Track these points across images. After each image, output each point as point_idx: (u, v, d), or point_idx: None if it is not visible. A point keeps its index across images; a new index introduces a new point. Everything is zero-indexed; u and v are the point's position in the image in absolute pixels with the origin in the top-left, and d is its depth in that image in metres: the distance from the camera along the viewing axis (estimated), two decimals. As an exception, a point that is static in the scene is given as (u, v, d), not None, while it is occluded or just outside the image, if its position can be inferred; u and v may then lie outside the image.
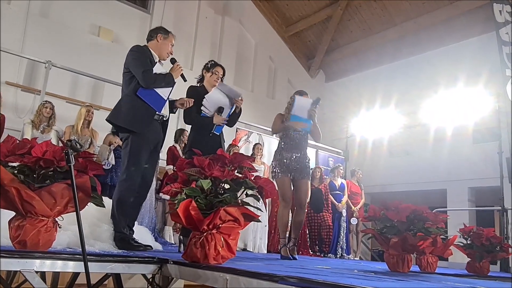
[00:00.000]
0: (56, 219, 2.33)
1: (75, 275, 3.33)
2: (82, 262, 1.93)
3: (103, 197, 2.54)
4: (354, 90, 11.04)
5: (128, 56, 3.29)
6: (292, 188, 4.27)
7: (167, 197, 4.74)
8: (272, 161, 4.41)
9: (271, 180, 4.20)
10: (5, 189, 2.13)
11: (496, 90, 7.67)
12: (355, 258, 7.49)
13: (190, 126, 3.87)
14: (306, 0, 10.73)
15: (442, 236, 3.46)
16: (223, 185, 2.41)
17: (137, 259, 2.45)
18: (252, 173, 2.52)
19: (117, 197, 3.14)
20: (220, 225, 2.28)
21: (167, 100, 3.36)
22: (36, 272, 2.06)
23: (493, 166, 6.86)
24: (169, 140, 4.52)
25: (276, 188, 3.12)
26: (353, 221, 7.53)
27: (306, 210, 4.58)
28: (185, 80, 3.55)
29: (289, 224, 4.80)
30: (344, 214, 7.44)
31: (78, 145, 2.09)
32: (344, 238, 7.37)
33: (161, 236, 5.72)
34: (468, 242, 4.38)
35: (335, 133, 10.64)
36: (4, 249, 2.05)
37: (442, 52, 9.39)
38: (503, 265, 6.23)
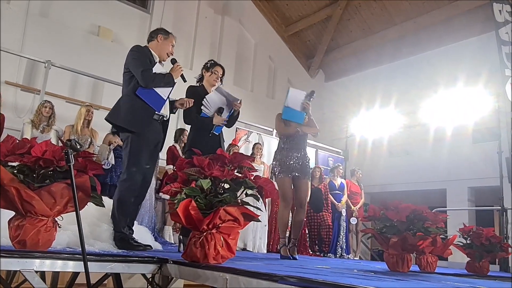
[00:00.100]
0: (56, 218, 2.33)
1: (75, 274, 3.33)
2: (82, 262, 1.93)
3: (102, 196, 2.55)
4: (354, 90, 11.04)
5: (128, 56, 3.30)
6: (292, 188, 4.27)
7: (167, 196, 4.74)
8: (273, 161, 4.42)
9: (271, 180, 4.22)
10: (5, 189, 2.13)
11: (496, 90, 7.67)
12: (355, 258, 7.49)
13: (190, 126, 3.88)
14: (305, 0, 10.74)
15: (441, 236, 3.47)
16: (222, 184, 2.41)
17: (136, 258, 2.45)
18: (252, 173, 2.52)
19: (117, 197, 3.15)
20: (219, 225, 2.28)
21: (167, 100, 3.36)
22: (36, 271, 2.06)
23: (492, 166, 6.87)
24: (169, 140, 4.52)
25: (276, 188, 3.13)
26: (353, 220, 7.53)
27: (306, 210, 4.58)
28: (184, 81, 3.55)
29: (289, 224, 4.80)
30: (344, 213, 7.44)
31: (77, 144, 2.08)
32: (344, 237, 7.37)
33: (161, 236, 5.72)
34: (468, 241, 4.38)
35: (334, 132, 10.64)
36: (4, 248, 2.05)
37: (442, 52, 9.39)
38: (503, 265, 6.24)
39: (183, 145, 5.89)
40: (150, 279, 2.62)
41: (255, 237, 6.07)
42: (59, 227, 2.38)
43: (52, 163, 2.25)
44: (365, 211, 7.52)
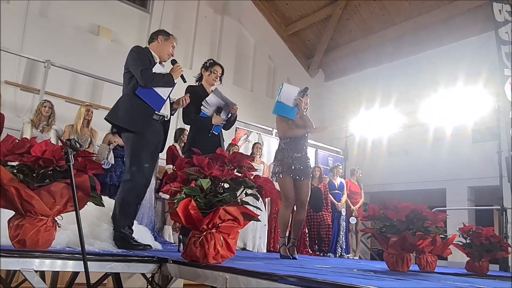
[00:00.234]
0: (56, 218, 2.33)
1: (75, 274, 3.33)
2: (82, 262, 1.93)
3: (102, 196, 2.54)
4: (353, 90, 11.04)
5: (128, 56, 3.31)
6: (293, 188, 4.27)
7: (167, 196, 4.73)
8: (273, 162, 4.41)
9: (272, 180, 4.22)
10: (5, 189, 2.13)
11: (495, 90, 7.67)
12: (355, 258, 7.50)
13: (189, 126, 3.88)
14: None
15: (441, 236, 3.47)
16: (222, 184, 2.41)
17: (136, 258, 2.45)
18: (252, 172, 2.52)
19: (120, 197, 3.15)
20: (219, 225, 2.28)
21: (167, 100, 3.36)
22: (36, 271, 2.05)
23: (492, 165, 6.87)
24: (169, 139, 4.52)
25: (277, 188, 3.12)
26: (352, 220, 7.53)
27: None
28: (184, 81, 3.56)
29: (289, 224, 4.80)
30: (344, 213, 7.44)
31: (77, 144, 2.08)
32: (344, 237, 7.37)
33: (161, 236, 5.72)
34: (468, 241, 4.38)
35: (334, 132, 10.64)
36: (4, 248, 2.05)
37: (441, 51, 9.39)
38: (502, 264, 6.24)
39: (183, 144, 5.89)
40: (150, 279, 2.62)
41: (254, 236, 6.07)
42: (59, 226, 2.38)
43: (52, 162, 2.25)
44: (364, 210, 7.52)
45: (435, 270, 3.81)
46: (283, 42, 11.72)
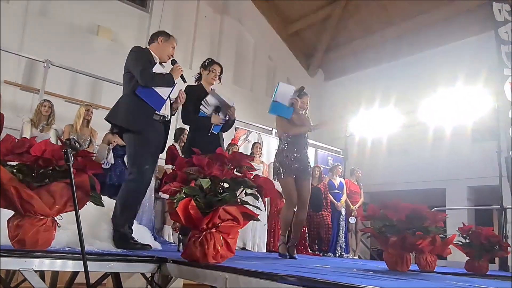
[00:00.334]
0: (55, 218, 2.33)
1: (74, 274, 3.34)
2: (81, 261, 1.93)
3: (102, 196, 2.55)
4: (353, 89, 11.04)
5: (128, 56, 3.32)
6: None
7: (166, 196, 4.73)
8: (274, 162, 4.40)
9: (273, 180, 4.21)
10: (4, 188, 2.12)
11: (495, 89, 7.67)
12: (354, 257, 7.50)
13: (189, 126, 3.88)
14: (305, -1, 10.74)
15: (441, 235, 3.47)
16: (222, 184, 2.40)
17: (136, 258, 2.45)
18: (251, 172, 2.52)
19: (122, 196, 3.15)
20: (219, 224, 2.28)
21: (168, 100, 3.37)
22: (35, 271, 2.05)
23: (492, 165, 6.86)
24: (168, 139, 4.52)
25: (277, 188, 3.12)
26: (352, 220, 7.53)
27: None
28: (184, 81, 3.58)
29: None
30: (343, 213, 7.44)
31: (77, 144, 2.08)
32: (343, 237, 7.37)
33: (160, 235, 5.72)
34: (467, 241, 4.38)
35: (334, 132, 10.63)
36: (3, 248, 2.05)
37: (441, 51, 9.39)
38: (502, 264, 6.24)
39: (182, 144, 5.89)
40: (149, 279, 2.62)
41: (254, 236, 6.07)
42: (59, 226, 2.38)
43: (52, 162, 2.24)
44: (364, 210, 7.51)
45: (434, 270, 3.81)
46: (283, 42, 11.71)
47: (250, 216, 2.39)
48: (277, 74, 11.39)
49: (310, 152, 8.63)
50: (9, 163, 2.27)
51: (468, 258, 4.41)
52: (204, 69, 3.89)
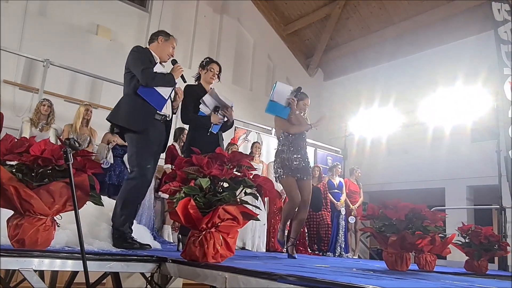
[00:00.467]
0: (55, 217, 2.33)
1: (74, 273, 3.33)
2: (81, 261, 1.93)
3: (101, 196, 2.54)
4: (352, 89, 11.04)
5: (129, 56, 3.33)
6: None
7: (166, 195, 4.74)
8: (274, 163, 4.39)
9: (273, 181, 4.20)
10: (4, 188, 2.12)
11: (494, 89, 7.68)
12: (354, 257, 7.50)
13: (188, 125, 3.87)
14: (304, -1, 10.74)
15: (440, 235, 3.48)
16: (221, 183, 2.41)
17: (135, 257, 2.45)
18: (251, 172, 2.52)
19: (123, 195, 3.15)
20: (219, 224, 2.28)
21: (169, 100, 3.37)
22: (35, 271, 2.05)
23: (491, 164, 6.87)
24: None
25: (276, 187, 3.12)
26: (351, 219, 7.53)
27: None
28: (185, 81, 3.59)
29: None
30: (343, 212, 7.44)
31: (76, 143, 2.08)
32: (343, 236, 7.37)
33: (160, 235, 5.72)
34: (467, 240, 4.39)
35: (333, 131, 10.64)
36: (3, 247, 2.05)
37: (440, 50, 9.39)
38: (501, 264, 6.25)
39: (182, 144, 5.89)
40: (149, 278, 2.62)
41: (254, 236, 6.07)
42: (58, 226, 2.38)
43: (51, 162, 2.24)
44: (364, 210, 7.52)
45: (434, 269, 3.82)
46: (282, 42, 11.71)
47: (250, 216, 2.39)
48: (277, 73, 11.39)
49: (310, 152, 8.66)
50: (8, 162, 2.27)
51: (467, 257, 4.42)
52: (202, 68, 3.89)
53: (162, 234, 5.82)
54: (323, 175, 7.83)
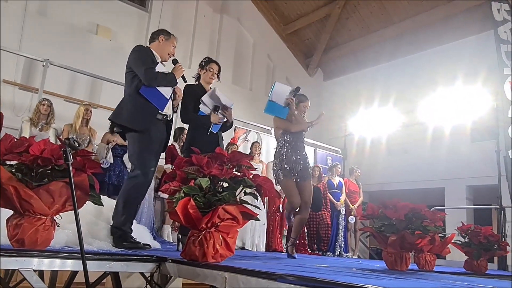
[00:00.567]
0: (54, 217, 2.33)
1: (73, 273, 3.33)
2: (81, 261, 1.93)
3: (101, 195, 2.54)
4: (352, 89, 11.04)
5: (130, 55, 3.33)
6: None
7: (166, 195, 4.74)
8: (273, 165, 4.38)
9: (273, 182, 4.20)
10: (3, 188, 2.12)
11: (494, 89, 7.68)
12: (354, 257, 7.50)
13: (188, 125, 3.87)
14: (304, -2, 10.74)
15: (440, 234, 3.48)
16: (221, 183, 2.40)
17: (135, 257, 2.45)
18: (251, 172, 2.52)
19: (124, 194, 3.15)
20: (218, 224, 2.28)
21: (170, 100, 3.37)
22: (34, 270, 2.05)
23: (491, 164, 6.87)
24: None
25: (275, 188, 3.11)
26: (351, 219, 7.53)
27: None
28: (185, 81, 3.60)
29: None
30: (343, 212, 7.44)
31: (76, 143, 2.08)
32: (343, 236, 7.37)
33: (160, 235, 5.72)
34: (466, 240, 4.39)
35: (333, 131, 10.64)
36: (2, 247, 2.05)
37: (440, 50, 9.39)
38: (501, 263, 6.25)
39: (182, 144, 5.88)
40: (148, 278, 2.62)
41: (253, 235, 6.07)
42: (58, 226, 2.38)
43: (51, 161, 2.24)
44: (363, 209, 7.52)
45: (433, 269, 3.82)
46: (282, 41, 11.70)
47: (250, 216, 2.39)
48: (276, 73, 11.39)
49: (309, 151, 8.66)
50: (8, 162, 2.27)
51: (467, 257, 4.42)
52: (202, 68, 3.89)
53: (162, 234, 5.82)
54: (323, 175, 7.83)
